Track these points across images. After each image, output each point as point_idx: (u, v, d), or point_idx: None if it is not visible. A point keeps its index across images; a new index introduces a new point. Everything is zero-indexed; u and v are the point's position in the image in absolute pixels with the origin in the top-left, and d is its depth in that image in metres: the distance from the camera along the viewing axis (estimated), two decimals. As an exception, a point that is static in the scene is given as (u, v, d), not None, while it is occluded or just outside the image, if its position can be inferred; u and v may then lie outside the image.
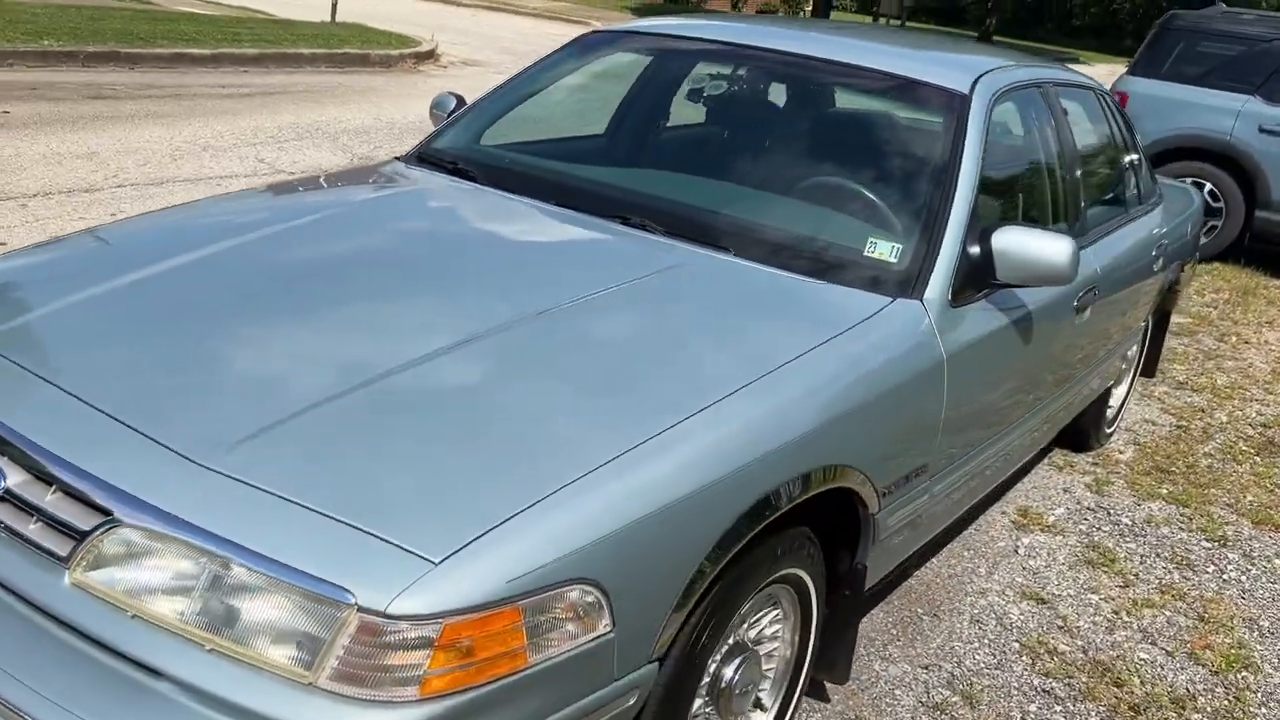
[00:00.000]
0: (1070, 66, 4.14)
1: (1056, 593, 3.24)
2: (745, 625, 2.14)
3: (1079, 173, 3.31)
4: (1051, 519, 3.71)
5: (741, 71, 3.33)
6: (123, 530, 1.55)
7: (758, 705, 2.27)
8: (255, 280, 2.21)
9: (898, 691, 2.68)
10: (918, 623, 2.99)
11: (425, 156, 3.07)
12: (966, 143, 2.70)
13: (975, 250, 2.54)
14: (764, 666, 2.26)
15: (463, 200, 2.79)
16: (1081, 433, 4.19)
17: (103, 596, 1.54)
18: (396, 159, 3.12)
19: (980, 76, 2.89)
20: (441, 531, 1.51)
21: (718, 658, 2.03)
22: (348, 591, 1.44)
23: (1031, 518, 3.69)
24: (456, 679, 1.46)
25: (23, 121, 7.61)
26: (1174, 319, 6.41)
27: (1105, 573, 3.39)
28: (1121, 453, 4.39)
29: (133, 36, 11.14)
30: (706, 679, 2.03)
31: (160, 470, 1.60)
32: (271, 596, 1.47)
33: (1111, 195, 3.80)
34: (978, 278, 2.55)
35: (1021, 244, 2.50)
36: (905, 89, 2.93)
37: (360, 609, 1.43)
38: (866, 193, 2.72)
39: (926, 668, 2.79)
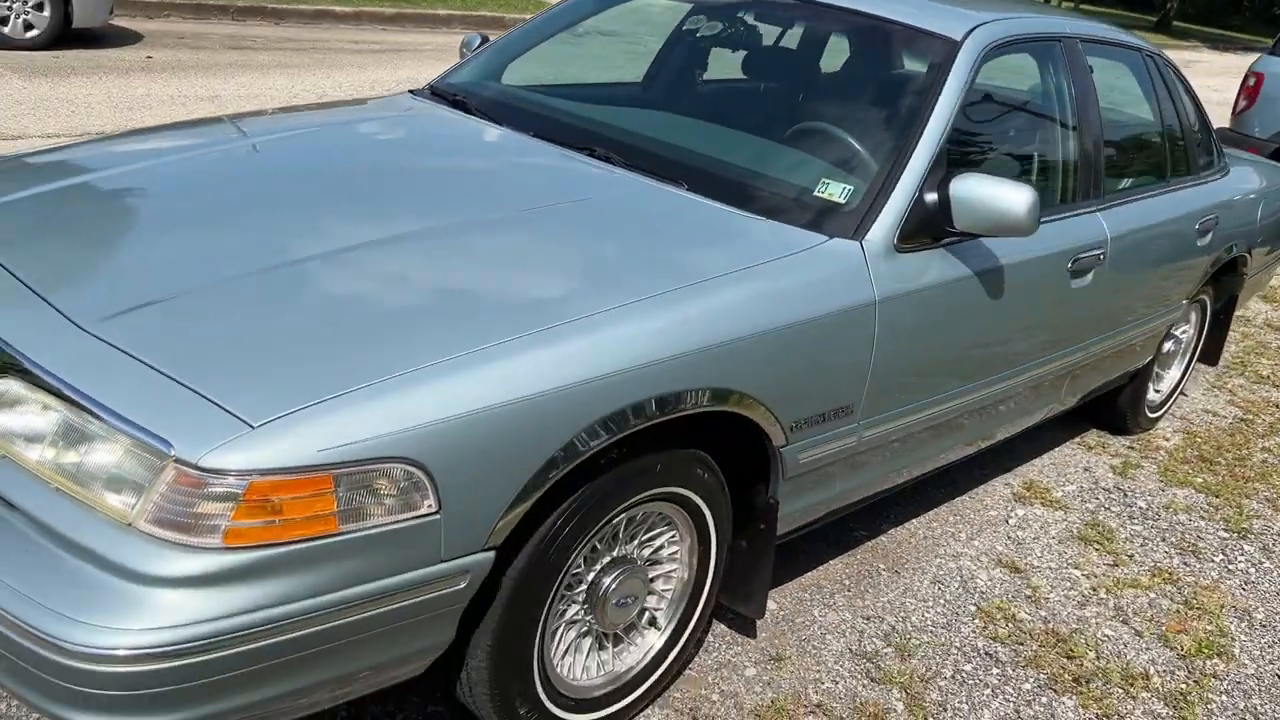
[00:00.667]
0: (1139, 34, 3.95)
1: (1035, 564, 3.16)
2: (635, 542, 2.20)
3: (1097, 133, 3.18)
4: (1058, 494, 3.60)
5: (741, 14, 3.32)
6: (6, 380, 1.73)
7: (653, 624, 2.32)
8: (204, 180, 2.39)
9: (829, 636, 2.68)
10: (874, 576, 2.97)
11: (435, 89, 3.20)
12: (944, 90, 2.64)
13: (933, 197, 2.49)
14: (661, 587, 2.31)
15: (443, 127, 2.90)
16: (1118, 414, 4.03)
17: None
18: (409, 91, 3.25)
19: (978, 26, 2.82)
20: (266, 399, 1.62)
21: (588, 563, 2.09)
22: (169, 443, 1.57)
23: (1036, 491, 3.58)
24: (260, 534, 1.57)
25: (162, 66, 8.15)
26: (1271, 310, 6.05)
27: (1097, 550, 3.28)
28: (1166, 439, 4.19)
29: (277, -9, 11.69)
30: (580, 584, 2.10)
31: (47, 330, 1.77)
32: (109, 444, 1.62)
33: (1145, 162, 3.63)
34: (934, 225, 2.51)
35: (978, 191, 2.45)
36: (900, 34, 2.89)
37: (177, 460, 1.56)
38: (837, 135, 2.70)
39: (868, 619, 2.78)
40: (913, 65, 2.90)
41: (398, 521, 1.68)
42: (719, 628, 2.65)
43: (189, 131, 2.89)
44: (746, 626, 2.67)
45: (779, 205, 2.50)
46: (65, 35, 8.44)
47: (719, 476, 2.22)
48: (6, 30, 8.08)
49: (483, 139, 2.82)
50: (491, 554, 1.81)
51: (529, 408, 1.78)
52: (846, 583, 2.92)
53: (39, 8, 8.21)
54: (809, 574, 2.93)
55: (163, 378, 1.66)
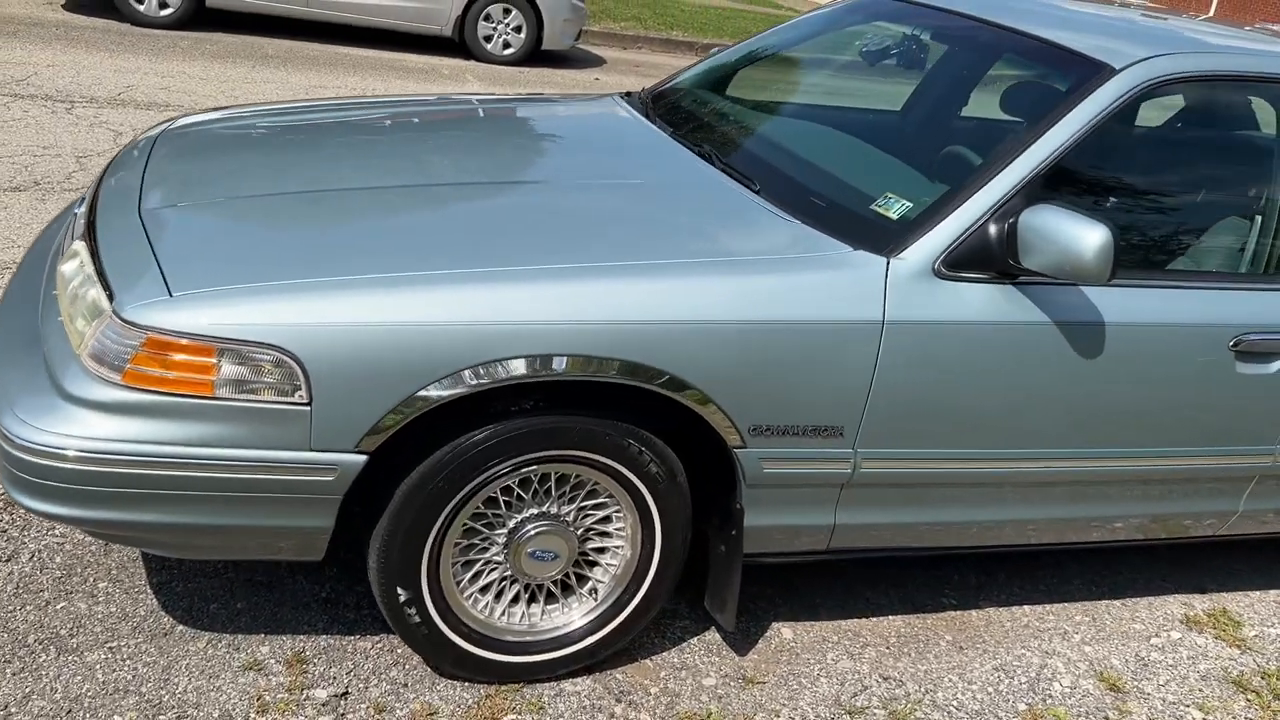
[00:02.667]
0: None
1: (1147, 690, 2.67)
2: (573, 505, 2.26)
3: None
4: (1250, 633, 2.98)
5: (914, 32, 3.15)
6: (81, 241, 2.24)
7: (593, 594, 2.36)
8: (372, 131, 2.82)
9: (824, 680, 2.51)
10: (929, 644, 2.70)
11: (643, 96, 3.42)
12: (1065, 118, 2.37)
13: (1001, 227, 2.27)
14: (607, 561, 2.34)
15: (607, 124, 3.10)
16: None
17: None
18: (624, 93, 3.51)
19: (1155, 57, 2.48)
20: (194, 280, 1.96)
21: (510, 508, 2.19)
22: (114, 296, 1.97)
23: (1220, 621, 2.99)
24: (149, 380, 1.90)
25: (602, 88, 9.15)
26: None
27: (1247, 699, 2.69)
28: None
29: (736, 31, 12.53)
30: (503, 526, 2.21)
31: (119, 212, 2.27)
32: (93, 292, 2.05)
33: None
34: (996, 257, 2.28)
35: (1047, 223, 2.20)
36: (1058, 58, 2.62)
37: (114, 310, 1.95)
38: (940, 155, 2.54)
39: (886, 679, 2.55)
40: (1056, 88, 2.61)
41: (269, 402, 1.93)
42: (709, 635, 2.59)
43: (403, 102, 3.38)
44: (738, 643, 2.58)
45: (832, 215, 2.41)
46: (536, 54, 9.77)
47: (667, 463, 2.21)
48: (489, 47, 9.53)
49: (621, 132, 2.98)
50: (362, 458, 2.00)
51: (414, 335, 1.95)
52: (891, 640, 2.69)
53: (518, 30, 9.58)
54: (855, 620, 2.74)
55: (150, 253, 2.07)
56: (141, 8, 8.65)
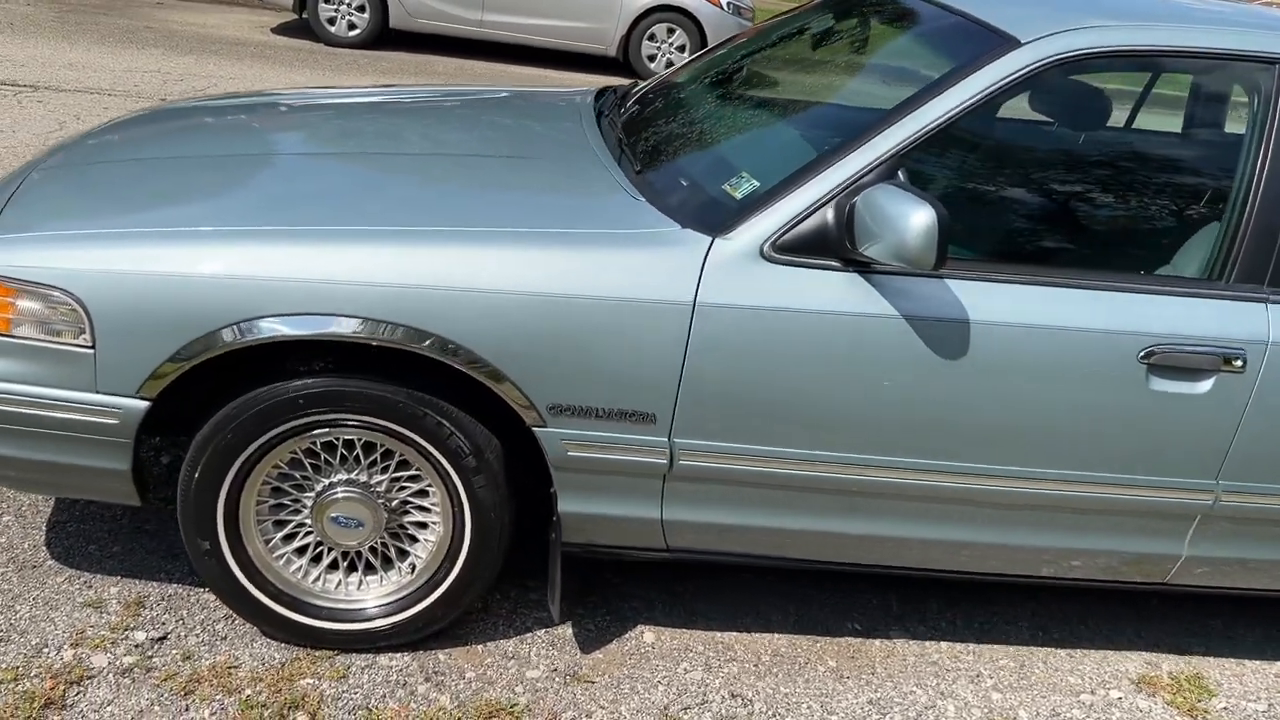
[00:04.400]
0: None
1: (1044, 747, 2.34)
2: (386, 475, 2.24)
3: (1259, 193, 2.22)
4: (1218, 705, 2.55)
5: (862, 18, 2.91)
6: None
7: (413, 570, 2.32)
8: (322, 111, 2.92)
9: (661, 689, 2.36)
10: (804, 668, 2.49)
11: (625, 88, 3.38)
12: (941, 95, 2.15)
13: (840, 209, 2.09)
14: (424, 536, 2.31)
15: (549, 109, 3.07)
16: None
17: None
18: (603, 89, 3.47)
19: (1066, 31, 2.20)
20: (20, 225, 2.10)
21: (318, 471, 2.21)
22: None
23: (1186, 688, 2.59)
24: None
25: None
26: None
27: (1168, 775, 2.31)
28: None
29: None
30: (310, 490, 2.23)
31: (32, 165, 2.45)
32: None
33: None
34: (833, 242, 2.10)
35: (878, 203, 2.00)
36: (971, 32, 2.37)
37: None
38: (815, 134, 2.36)
39: (735, 696, 2.37)
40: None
41: (58, 343, 2.04)
42: (563, 629, 2.49)
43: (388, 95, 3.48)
44: (589, 640, 2.47)
45: (683, 195, 2.29)
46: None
47: (473, 438, 2.15)
48: (653, 65, 9.65)
49: (552, 116, 2.95)
50: (143, 404, 2.07)
51: (186, 286, 2.00)
52: (764, 659, 2.50)
53: (681, 49, 9.66)
54: (735, 634, 2.56)
55: (4, 201, 2.24)
56: (333, 29, 9.35)
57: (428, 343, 2.03)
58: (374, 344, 2.04)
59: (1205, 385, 2.20)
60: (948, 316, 2.12)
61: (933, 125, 2.13)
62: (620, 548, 2.35)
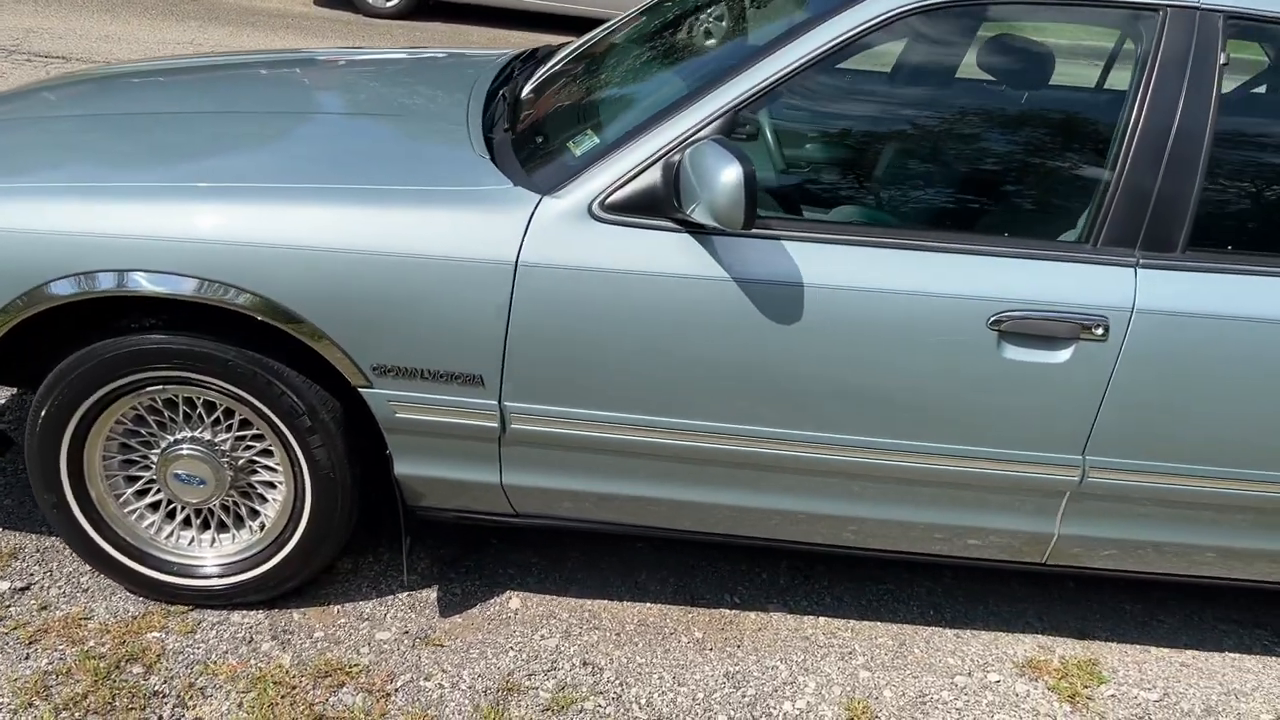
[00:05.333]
0: None
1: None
2: (230, 434, 2.25)
3: (1186, 151, 2.07)
4: (1105, 692, 2.42)
5: None
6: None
7: (262, 529, 2.33)
8: (246, 69, 2.93)
9: (511, 654, 2.34)
10: (670, 638, 2.44)
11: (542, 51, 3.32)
12: (789, 44, 2.06)
13: (670, 165, 2.02)
14: (273, 495, 2.31)
15: (450, 71, 3.03)
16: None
17: None
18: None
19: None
20: None
21: (164, 428, 2.23)
22: None
23: (1071, 669, 2.46)
24: None
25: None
26: None
27: (1026, 762, 2.20)
28: None
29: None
30: (158, 446, 2.25)
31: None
32: None
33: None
34: (661, 200, 2.03)
35: (696, 160, 1.93)
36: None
37: None
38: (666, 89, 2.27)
39: (586, 665, 2.33)
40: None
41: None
42: (427, 592, 2.48)
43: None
44: (450, 604, 2.46)
45: (531, 153, 2.24)
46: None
47: (306, 398, 2.14)
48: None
49: (448, 79, 2.91)
50: (-15, 342, 2.11)
51: (26, 240, 2.02)
52: (628, 628, 2.45)
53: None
54: (605, 602, 2.52)
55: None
56: (371, 0, 9.41)
57: (242, 299, 2.02)
58: (187, 300, 2.03)
59: (1063, 354, 2.07)
60: (781, 279, 2.03)
61: (771, 79, 2.04)
62: (468, 512, 2.32)
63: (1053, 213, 2.18)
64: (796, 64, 2.04)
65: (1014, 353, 2.07)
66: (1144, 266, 2.08)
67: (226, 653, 2.26)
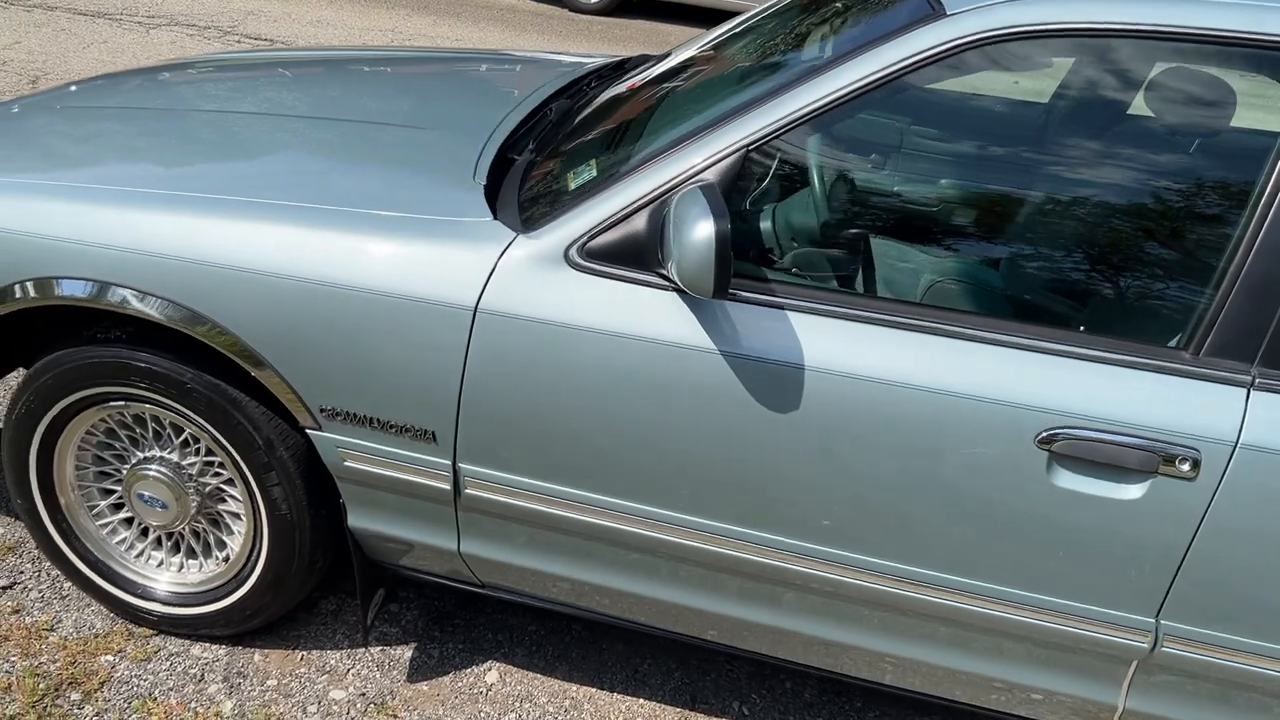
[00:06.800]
0: None
1: None
2: (199, 458, 2.11)
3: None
4: None
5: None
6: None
7: (226, 560, 2.18)
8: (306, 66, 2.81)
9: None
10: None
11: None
12: (825, 75, 1.70)
13: (651, 214, 1.71)
14: (237, 527, 2.15)
15: (518, 79, 2.79)
16: None
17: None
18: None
19: (990, 4, 1.67)
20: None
21: (136, 444, 2.11)
22: None
23: None
24: None
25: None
26: None
27: None
28: None
29: None
30: (127, 463, 2.14)
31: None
32: None
33: None
34: (647, 250, 1.72)
35: (677, 210, 1.62)
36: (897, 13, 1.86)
37: None
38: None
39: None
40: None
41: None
42: (402, 650, 2.26)
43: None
44: (425, 668, 2.23)
45: (532, 186, 1.98)
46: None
47: (262, 429, 1.96)
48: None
49: (511, 87, 2.67)
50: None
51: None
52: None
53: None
54: (592, 690, 2.23)
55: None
56: (577, -4, 9.40)
57: (206, 327, 1.85)
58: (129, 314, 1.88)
59: (1135, 490, 1.61)
60: (779, 359, 1.67)
61: (786, 121, 1.68)
62: (430, 574, 2.09)
63: (1145, 306, 1.72)
64: (817, 104, 1.67)
65: (1069, 480, 1.63)
66: (1262, 389, 1.58)
67: (171, 689, 2.11)
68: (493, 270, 1.77)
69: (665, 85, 2.22)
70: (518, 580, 2.02)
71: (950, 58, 1.64)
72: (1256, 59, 1.62)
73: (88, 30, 6.84)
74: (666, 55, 2.66)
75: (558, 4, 9.56)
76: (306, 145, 2.16)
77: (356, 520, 2.00)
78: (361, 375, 1.83)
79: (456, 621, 2.36)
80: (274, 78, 2.61)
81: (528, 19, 8.84)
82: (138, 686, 2.11)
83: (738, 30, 2.42)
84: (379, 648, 2.27)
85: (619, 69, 2.83)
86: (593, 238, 1.74)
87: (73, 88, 2.52)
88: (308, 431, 1.91)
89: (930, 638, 1.83)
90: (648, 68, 2.56)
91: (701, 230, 1.52)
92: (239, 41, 7.16)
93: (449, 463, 1.86)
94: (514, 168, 2.10)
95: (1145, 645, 1.70)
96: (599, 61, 2.98)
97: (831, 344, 1.66)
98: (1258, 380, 1.59)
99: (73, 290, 1.87)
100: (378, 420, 1.86)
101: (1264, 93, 1.94)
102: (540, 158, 2.12)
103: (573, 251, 1.75)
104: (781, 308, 1.70)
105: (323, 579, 2.19)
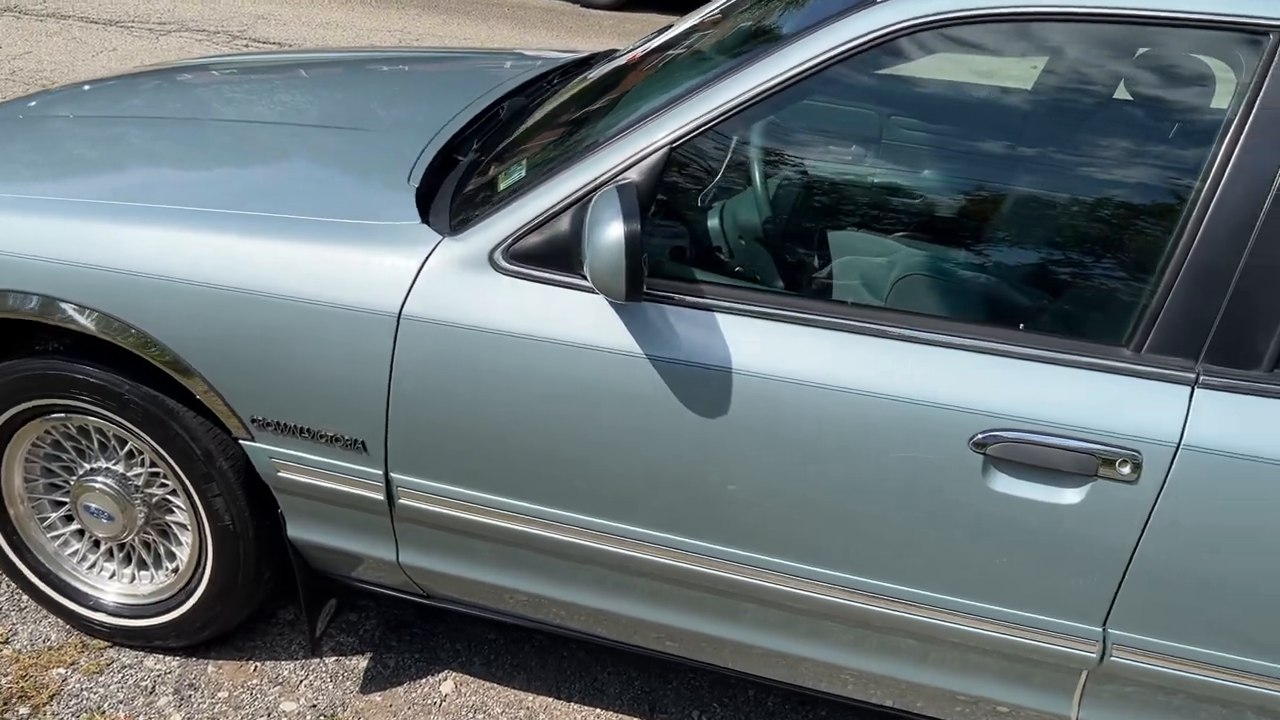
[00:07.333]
0: None
1: None
2: (144, 469, 2.09)
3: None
4: None
5: None
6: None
7: (176, 571, 2.16)
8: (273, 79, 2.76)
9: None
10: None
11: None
12: (751, 68, 1.64)
13: (574, 215, 1.66)
14: (185, 539, 2.13)
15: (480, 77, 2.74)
16: None
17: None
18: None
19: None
20: None
21: (84, 455, 2.09)
22: None
23: None
24: None
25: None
26: None
27: None
28: None
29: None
30: (75, 474, 2.12)
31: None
32: None
33: None
34: (571, 252, 1.68)
35: (594, 208, 1.57)
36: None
37: None
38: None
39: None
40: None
41: None
42: (358, 660, 2.24)
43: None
44: (379, 678, 2.20)
45: (464, 186, 1.94)
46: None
47: (200, 440, 1.94)
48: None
49: (471, 84, 2.62)
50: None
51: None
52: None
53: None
54: (548, 699, 2.19)
55: None
56: (588, -9, 9.34)
57: (129, 336, 1.83)
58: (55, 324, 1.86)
59: (1073, 494, 1.54)
60: (705, 363, 1.62)
61: (711, 117, 1.62)
62: (377, 585, 2.05)
63: (1086, 302, 1.64)
64: (750, 95, 1.61)
65: (1006, 485, 1.56)
66: (1206, 386, 1.51)
67: (121, 702, 2.10)
68: (417, 275, 1.73)
69: (606, 82, 2.17)
70: (463, 591, 1.98)
71: (882, 45, 1.58)
72: (1212, 41, 1.54)
73: (98, 38, 6.89)
74: (626, 50, 2.61)
75: (572, 1, 9.51)
76: (243, 151, 2.13)
77: (296, 531, 1.97)
78: (290, 384, 1.80)
79: (415, 630, 2.33)
80: (221, 83, 2.58)
81: (538, 15, 8.80)
82: (87, 700, 2.09)
83: (688, 26, 2.36)
84: (334, 658, 2.24)
85: (584, 64, 2.78)
86: (518, 240, 1.70)
87: (32, 103, 2.50)
88: (240, 442, 1.88)
89: (885, 649, 1.77)
90: (603, 63, 2.51)
91: (612, 232, 1.48)
92: (247, 45, 7.19)
93: (381, 473, 1.83)
94: (455, 169, 2.05)
95: (1094, 655, 1.63)
96: (567, 57, 2.94)
97: (761, 346, 1.60)
98: (1202, 377, 1.51)
99: (3, 302, 1.86)
100: (308, 430, 1.83)
101: (1225, 77, 1.86)
102: (483, 158, 2.07)
103: (498, 254, 1.71)
104: (712, 310, 1.65)
105: (278, 588, 2.16)
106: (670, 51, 2.14)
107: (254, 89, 2.54)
